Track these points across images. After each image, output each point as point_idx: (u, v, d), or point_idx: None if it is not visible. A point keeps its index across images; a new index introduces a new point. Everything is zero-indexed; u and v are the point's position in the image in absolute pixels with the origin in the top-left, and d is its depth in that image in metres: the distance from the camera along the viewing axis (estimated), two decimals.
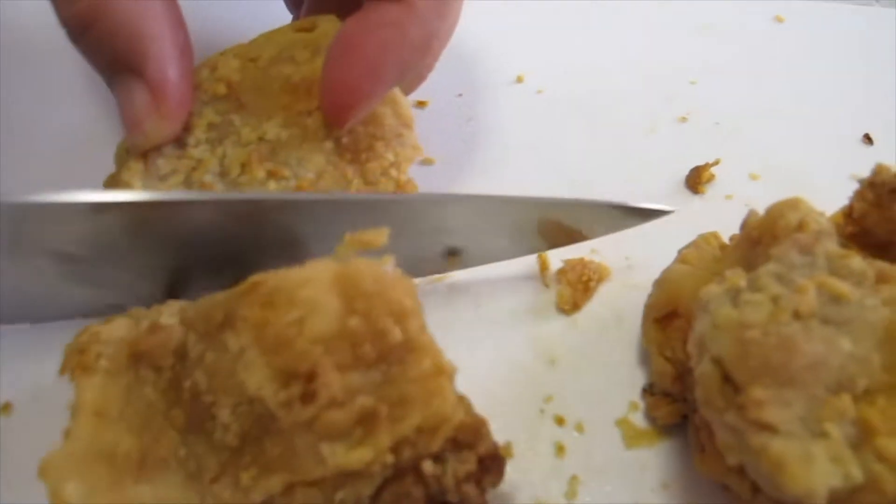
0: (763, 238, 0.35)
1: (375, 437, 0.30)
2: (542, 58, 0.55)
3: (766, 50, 0.57)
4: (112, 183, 0.40)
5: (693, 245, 0.41)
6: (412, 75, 0.42)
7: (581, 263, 0.44)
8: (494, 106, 0.52)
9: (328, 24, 0.43)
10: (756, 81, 0.55)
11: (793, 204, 0.35)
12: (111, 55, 0.36)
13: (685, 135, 0.51)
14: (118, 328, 0.35)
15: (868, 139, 0.52)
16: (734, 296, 0.33)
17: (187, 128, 0.40)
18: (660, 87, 0.54)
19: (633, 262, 0.45)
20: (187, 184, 0.39)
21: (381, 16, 0.38)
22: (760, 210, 0.41)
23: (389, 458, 0.30)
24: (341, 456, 0.29)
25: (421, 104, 0.52)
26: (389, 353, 0.31)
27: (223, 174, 0.39)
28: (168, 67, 0.37)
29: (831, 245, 0.34)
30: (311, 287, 0.31)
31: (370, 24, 0.38)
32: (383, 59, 0.38)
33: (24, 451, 0.37)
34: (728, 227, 0.45)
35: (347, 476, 0.30)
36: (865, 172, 0.45)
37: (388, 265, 0.32)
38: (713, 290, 0.33)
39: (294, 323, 0.30)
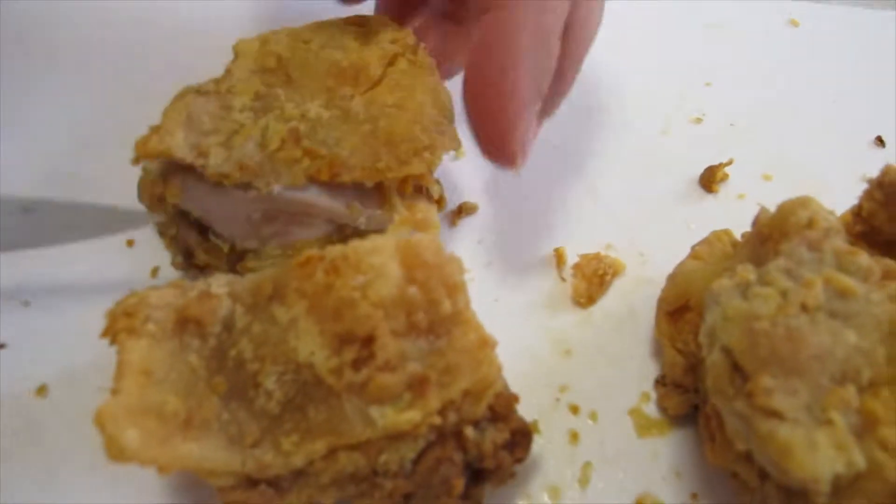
0: (773, 234, 0.37)
1: (425, 400, 0.32)
2: None
3: (780, 52, 0.58)
4: (153, 131, 0.41)
5: (705, 242, 0.43)
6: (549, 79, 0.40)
7: (596, 258, 0.45)
8: None
9: (379, 22, 0.45)
10: (770, 83, 0.56)
11: (803, 202, 0.37)
12: None
13: (699, 135, 0.53)
14: (166, 294, 0.36)
15: (880, 141, 0.53)
16: (744, 289, 0.34)
17: (234, 91, 0.42)
18: (675, 89, 0.55)
19: (647, 258, 0.47)
20: (227, 146, 0.40)
21: (486, 33, 0.38)
22: (772, 209, 0.43)
23: (436, 421, 0.33)
24: (391, 417, 0.32)
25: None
26: (439, 324, 0.33)
27: (262, 146, 0.40)
28: None
29: (839, 242, 0.35)
30: (378, 254, 0.33)
31: (483, 49, 0.38)
32: (509, 76, 0.37)
33: (60, 432, 0.39)
34: (740, 226, 0.46)
35: (393, 439, 0.33)
36: (876, 174, 0.46)
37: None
38: (724, 283, 0.35)
39: (359, 287, 0.33)
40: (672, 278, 0.42)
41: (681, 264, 0.42)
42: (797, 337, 0.31)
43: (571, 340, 0.43)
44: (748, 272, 0.35)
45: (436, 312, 0.34)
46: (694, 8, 0.60)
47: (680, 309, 0.40)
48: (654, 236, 0.47)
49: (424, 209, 0.38)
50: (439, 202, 0.42)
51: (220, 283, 0.36)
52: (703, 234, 0.45)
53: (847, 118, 0.55)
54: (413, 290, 0.33)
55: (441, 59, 0.43)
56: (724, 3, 0.62)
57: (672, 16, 0.60)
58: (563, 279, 0.45)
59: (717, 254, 0.42)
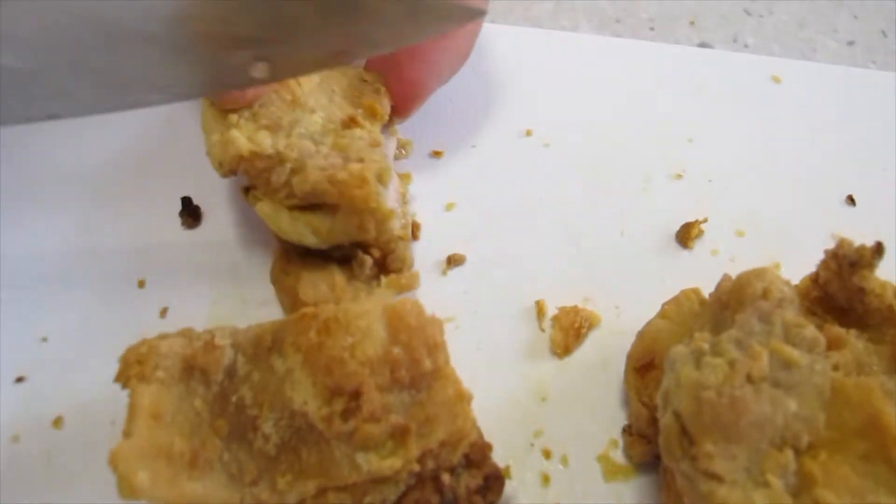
0: (731, 303, 0.40)
1: (406, 449, 0.36)
2: (549, 114, 0.59)
3: (761, 109, 0.61)
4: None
5: (674, 300, 0.46)
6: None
7: (574, 311, 0.49)
8: (505, 158, 0.57)
9: None
10: (750, 140, 0.59)
11: (759, 273, 0.40)
12: None
13: (679, 191, 0.56)
14: (175, 344, 0.40)
15: (851, 200, 0.56)
16: (698, 357, 0.37)
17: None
18: (658, 145, 0.58)
19: (622, 311, 0.50)
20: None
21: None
22: (741, 267, 0.46)
23: (415, 467, 0.36)
24: (375, 463, 0.36)
25: (437, 154, 0.56)
26: (420, 380, 0.37)
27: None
28: None
29: (790, 313, 0.38)
30: (365, 318, 0.37)
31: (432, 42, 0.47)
32: (442, 61, 0.49)
33: (75, 460, 0.43)
34: (711, 281, 0.49)
35: (377, 482, 0.37)
36: (845, 232, 0.49)
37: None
38: (680, 350, 0.38)
39: (348, 347, 0.37)
40: (641, 335, 0.45)
41: (650, 322, 0.45)
42: (740, 406, 0.34)
43: (548, 388, 0.47)
44: (704, 340, 0.38)
45: (417, 369, 0.37)
46: (679, 66, 0.63)
47: (646, 365, 0.43)
48: (629, 290, 0.50)
49: (411, 277, 0.42)
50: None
51: (223, 335, 0.40)
52: (677, 288, 0.48)
53: (821, 176, 0.58)
54: (397, 350, 0.37)
55: None
56: (708, 60, 0.65)
57: (658, 73, 0.62)
58: (543, 330, 0.49)
59: (684, 312, 0.45)
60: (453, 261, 0.51)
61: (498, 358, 0.48)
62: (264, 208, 0.44)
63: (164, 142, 0.57)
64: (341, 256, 0.45)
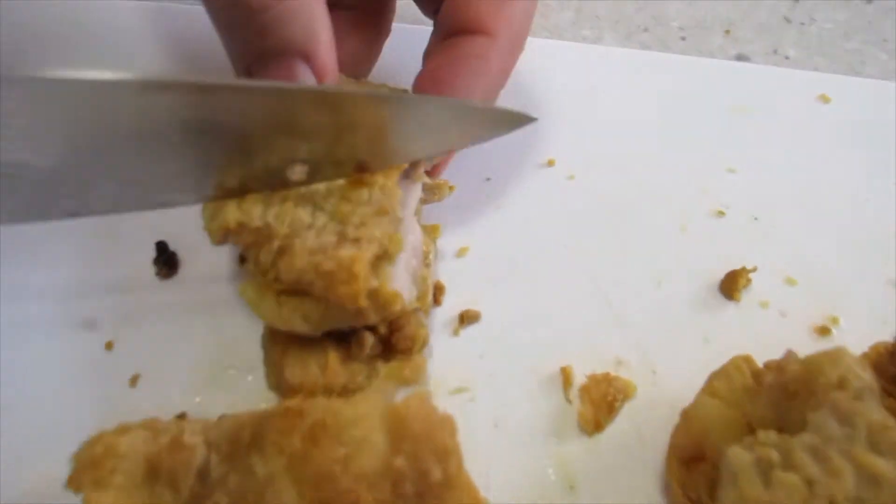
0: (800, 393, 0.34)
1: None
2: (573, 142, 0.53)
3: (808, 133, 0.55)
4: None
5: (724, 373, 0.39)
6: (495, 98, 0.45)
7: (606, 380, 0.42)
8: (523, 192, 0.51)
9: None
10: (797, 169, 0.53)
11: (833, 358, 0.34)
12: (282, 37, 0.37)
13: (721, 231, 0.49)
14: (136, 440, 0.34)
15: None
16: (765, 469, 0.31)
17: None
18: (696, 177, 0.52)
19: (660, 377, 0.43)
20: None
21: (467, 49, 0.42)
22: (794, 323, 0.40)
23: None
24: None
25: (448, 189, 0.50)
26: (428, 492, 0.31)
27: None
28: (332, 49, 0.38)
29: (873, 409, 0.32)
30: (361, 426, 0.31)
31: (457, 58, 0.42)
32: (471, 90, 0.42)
33: None
34: (762, 339, 0.44)
35: None
36: None
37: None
38: (741, 456, 0.32)
39: (340, 460, 0.30)
40: (686, 417, 0.38)
41: (697, 402, 0.39)
42: None
43: (576, 473, 0.40)
44: (770, 444, 0.32)
45: (425, 481, 0.31)
46: (716, 86, 0.56)
47: (694, 457, 0.37)
48: (668, 351, 0.44)
49: (413, 362, 0.35)
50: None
51: (194, 430, 0.34)
52: (722, 349, 0.43)
53: (879, 212, 0.51)
54: (400, 461, 0.31)
55: (355, 63, 0.46)
56: (748, 76, 0.58)
57: (693, 96, 0.56)
58: (570, 401, 0.42)
59: (736, 388, 0.39)
60: (466, 318, 0.45)
61: (518, 437, 0.41)
62: (248, 292, 0.37)
63: None
64: (337, 331, 0.39)
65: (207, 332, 0.44)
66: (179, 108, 0.33)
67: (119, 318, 0.45)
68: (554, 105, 0.55)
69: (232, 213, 0.37)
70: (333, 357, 0.37)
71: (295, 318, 0.36)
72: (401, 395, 0.33)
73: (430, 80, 0.42)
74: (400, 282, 0.38)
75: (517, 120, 0.42)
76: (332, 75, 0.39)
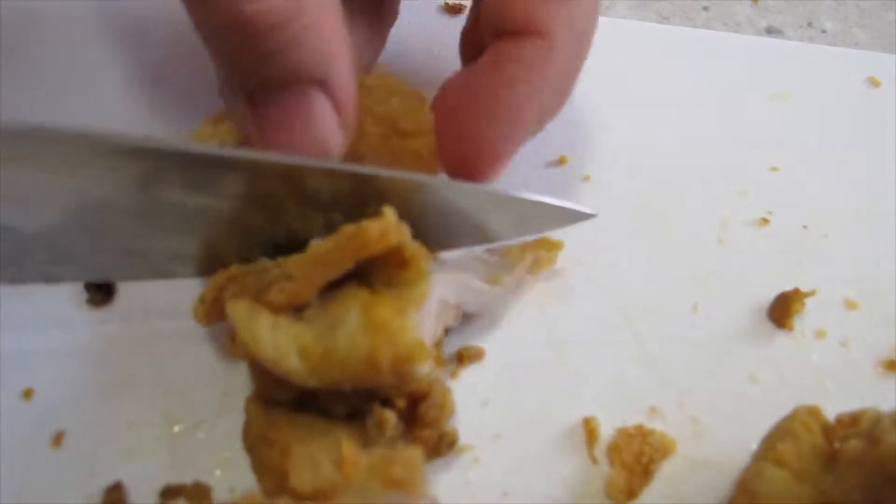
0: None
1: None
2: (589, 135, 0.44)
3: (859, 123, 0.47)
4: None
5: (788, 433, 0.32)
6: (551, 119, 0.37)
7: (639, 436, 0.35)
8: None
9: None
10: (849, 167, 0.45)
11: None
12: (290, 65, 0.31)
13: (766, 242, 0.42)
14: None
15: None
16: None
17: None
18: (733, 177, 0.44)
19: (703, 428, 0.36)
20: None
21: (516, 56, 0.34)
22: (859, 355, 0.37)
23: None
24: None
25: None
26: None
27: None
28: (349, 75, 0.32)
29: None
30: None
31: (504, 68, 0.34)
32: (523, 108, 0.34)
33: None
34: (820, 379, 0.38)
35: None
36: None
37: None
38: None
39: None
40: (748, 494, 0.31)
41: (760, 474, 0.31)
42: None
43: None
44: None
45: None
46: (753, 71, 0.48)
47: None
48: (711, 395, 0.37)
49: (407, 462, 0.26)
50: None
51: None
52: (773, 391, 0.37)
53: None
54: None
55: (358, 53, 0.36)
56: (785, 55, 0.50)
57: (727, 82, 0.47)
58: (595, 461, 0.34)
59: (805, 453, 0.31)
60: (466, 357, 0.37)
61: None
62: (238, 309, 0.29)
63: None
64: (348, 409, 0.30)
65: (149, 376, 0.36)
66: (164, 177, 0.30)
67: (39, 357, 0.36)
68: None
69: None
70: (349, 446, 0.28)
71: (290, 352, 0.28)
72: (388, 500, 0.24)
73: (466, 95, 0.34)
74: (425, 334, 0.29)
75: (573, 217, 0.36)
76: (353, 106, 0.32)
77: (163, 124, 0.44)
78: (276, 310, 0.30)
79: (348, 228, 0.29)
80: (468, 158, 0.35)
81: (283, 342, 0.29)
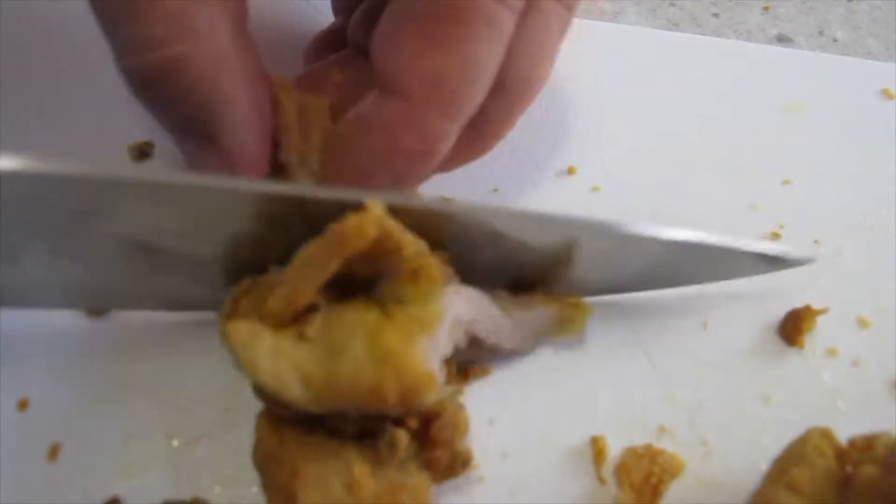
0: None
1: None
2: (599, 145, 0.43)
3: (870, 136, 0.46)
4: None
5: (801, 457, 0.31)
6: (418, 180, 0.35)
7: (648, 455, 0.34)
8: (537, 206, 0.42)
9: None
10: (862, 180, 0.44)
11: None
12: (181, 116, 0.31)
13: None
14: None
15: None
16: None
17: None
18: (744, 190, 0.43)
19: (712, 449, 0.35)
20: None
21: (374, 116, 0.32)
22: (870, 375, 0.36)
23: None
24: None
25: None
26: None
27: None
28: (245, 134, 0.32)
29: None
30: None
31: (362, 125, 0.32)
32: (373, 167, 0.32)
33: None
34: (832, 399, 0.37)
35: None
36: None
37: None
38: None
39: None
40: None
41: (771, 498, 0.30)
42: None
43: None
44: None
45: None
46: (764, 82, 0.47)
47: None
48: (721, 415, 0.36)
49: (413, 482, 0.25)
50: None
51: None
52: (785, 411, 0.36)
53: None
54: None
55: (351, 95, 0.35)
56: (794, 64, 0.49)
57: (737, 94, 0.46)
58: (603, 481, 0.33)
59: (819, 478, 0.30)
60: (473, 373, 0.36)
61: None
62: (238, 331, 0.28)
63: None
64: (359, 429, 0.29)
65: (148, 389, 0.35)
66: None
67: (35, 367, 0.35)
68: (572, 100, 0.45)
69: None
70: (360, 468, 0.27)
71: (291, 380, 0.27)
72: None
73: (333, 145, 0.34)
74: (435, 363, 0.28)
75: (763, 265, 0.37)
76: (251, 160, 0.32)
77: None
78: (276, 319, 0.29)
79: (332, 225, 0.28)
80: None
81: (284, 371, 0.28)
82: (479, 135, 0.36)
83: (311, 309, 0.30)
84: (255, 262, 0.32)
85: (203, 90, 0.30)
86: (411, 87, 0.31)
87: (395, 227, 0.29)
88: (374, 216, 0.28)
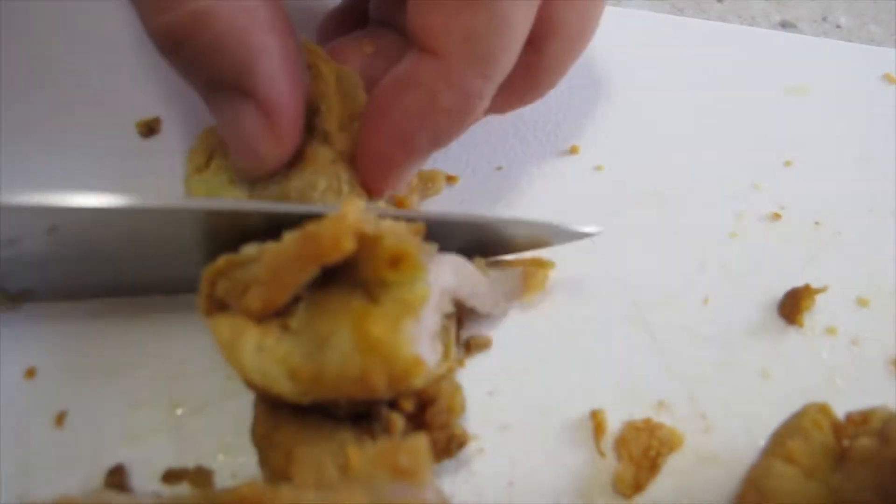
0: None
1: None
2: (602, 125, 0.43)
3: (873, 120, 0.46)
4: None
5: (798, 430, 0.32)
6: (453, 139, 0.34)
7: (646, 429, 0.34)
8: (542, 185, 0.42)
9: None
10: (863, 163, 0.44)
11: None
12: (213, 72, 0.31)
13: (778, 237, 0.41)
14: None
15: None
16: None
17: None
18: (746, 171, 0.43)
19: (711, 423, 0.35)
20: None
21: (411, 75, 0.32)
22: (869, 353, 0.37)
23: None
24: None
25: (450, 179, 0.41)
26: None
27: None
28: (281, 83, 0.31)
29: None
30: None
31: (399, 85, 0.33)
32: (412, 127, 0.33)
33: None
34: (830, 377, 0.37)
35: None
36: None
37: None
38: None
39: None
40: (756, 491, 0.31)
41: (769, 470, 0.31)
42: None
43: None
44: None
45: None
46: (767, 65, 0.47)
47: None
48: (720, 390, 0.36)
49: (412, 450, 0.26)
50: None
51: None
52: (783, 387, 0.37)
53: None
54: None
55: (380, 66, 0.36)
56: (798, 49, 0.49)
57: (740, 76, 0.47)
58: (603, 454, 0.34)
59: (815, 451, 0.31)
60: (474, 345, 0.36)
61: (539, 501, 0.33)
62: (221, 329, 0.28)
63: None
64: (354, 412, 0.30)
65: (153, 359, 0.36)
66: None
67: (42, 337, 0.36)
68: (576, 81, 0.45)
69: None
70: (354, 451, 0.27)
71: (278, 375, 0.27)
72: (394, 490, 0.24)
73: (370, 108, 0.34)
74: (423, 344, 0.29)
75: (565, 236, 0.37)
76: (287, 113, 0.32)
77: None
78: (257, 316, 0.29)
79: (308, 228, 0.27)
80: (364, 170, 0.35)
81: (270, 366, 0.28)
82: (533, 80, 0.36)
83: (293, 298, 0.30)
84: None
85: (234, 41, 0.30)
86: (448, 46, 0.31)
87: (370, 223, 0.28)
88: (350, 224, 0.27)
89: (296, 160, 0.34)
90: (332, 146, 0.34)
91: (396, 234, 0.29)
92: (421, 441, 0.24)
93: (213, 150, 0.35)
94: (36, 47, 0.45)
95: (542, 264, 0.38)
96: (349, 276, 0.30)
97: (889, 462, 0.27)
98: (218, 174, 0.35)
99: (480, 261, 0.35)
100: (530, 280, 0.37)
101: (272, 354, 0.28)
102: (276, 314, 0.30)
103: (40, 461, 0.33)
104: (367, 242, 0.28)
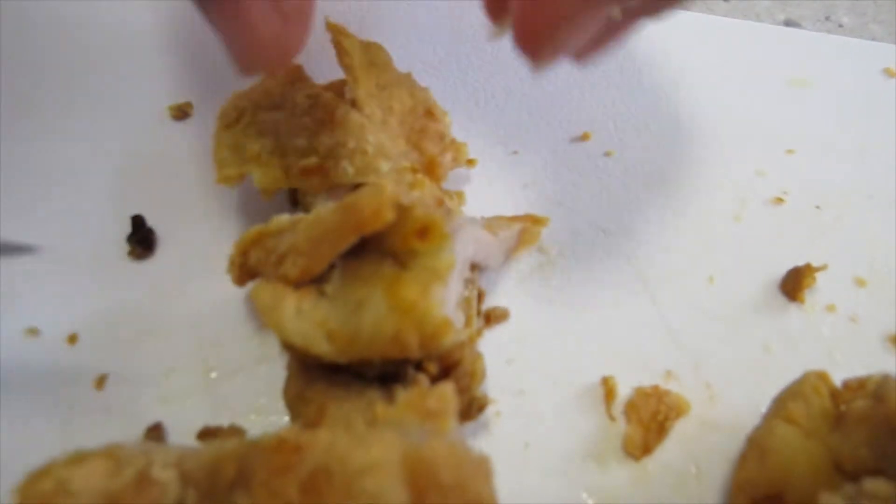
0: None
1: None
2: (612, 112, 0.46)
3: (873, 112, 0.48)
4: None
5: (799, 395, 0.33)
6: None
7: (655, 396, 0.36)
8: (555, 169, 0.44)
9: None
10: (862, 152, 0.46)
11: None
12: None
13: (780, 220, 0.43)
14: (93, 474, 0.27)
15: None
16: None
17: None
18: (751, 158, 0.45)
19: (716, 393, 0.37)
20: None
21: None
22: (866, 329, 0.38)
23: None
24: None
25: (469, 163, 0.43)
26: None
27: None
28: None
29: None
30: (375, 475, 0.24)
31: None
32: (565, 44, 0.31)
33: None
34: (829, 351, 0.39)
35: None
36: None
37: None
38: None
39: None
40: (758, 450, 0.32)
41: (772, 431, 0.33)
42: None
43: None
44: (879, 495, 0.26)
45: None
46: (772, 58, 0.49)
47: (769, 497, 0.31)
48: (724, 362, 0.38)
49: (440, 395, 0.28)
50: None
51: (165, 461, 0.27)
52: (784, 360, 0.39)
53: None
54: None
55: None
56: (801, 45, 0.51)
57: (745, 68, 0.49)
58: (613, 418, 0.36)
59: (815, 414, 0.33)
60: (493, 317, 0.38)
61: (553, 461, 0.35)
62: (262, 295, 0.30)
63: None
64: (382, 373, 0.32)
65: (187, 326, 0.38)
66: None
67: (84, 306, 0.38)
68: (589, 71, 0.47)
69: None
70: (382, 406, 0.29)
71: (317, 337, 0.29)
72: (423, 433, 0.26)
73: (522, 32, 0.31)
74: (450, 308, 0.31)
75: None
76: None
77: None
78: (294, 283, 0.31)
79: (348, 200, 0.30)
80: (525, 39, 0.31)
81: (309, 329, 0.30)
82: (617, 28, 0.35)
83: (328, 267, 0.32)
84: None
85: None
86: None
87: (402, 195, 0.30)
88: (389, 196, 0.29)
89: (325, 121, 0.36)
90: (361, 111, 0.36)
91: (424, 204, 0.31)
92: (448, 387, 0.26)
93: (244, 110, 0.37)
94: (70, 39, 0.47)
95: (538, 220, 0.40)
96: (378, 246, 0.32)
97: (883, 419, 0.29)
98: (246, 129, 0.37)
99: (483, 219, 0.37)
100: (526, 235, 0.39)
101: (311, 318, 0.30)
102: (312, 281, 0.32)
103: (82, 421, 0.35)
104: (398, 213, 0.30)
